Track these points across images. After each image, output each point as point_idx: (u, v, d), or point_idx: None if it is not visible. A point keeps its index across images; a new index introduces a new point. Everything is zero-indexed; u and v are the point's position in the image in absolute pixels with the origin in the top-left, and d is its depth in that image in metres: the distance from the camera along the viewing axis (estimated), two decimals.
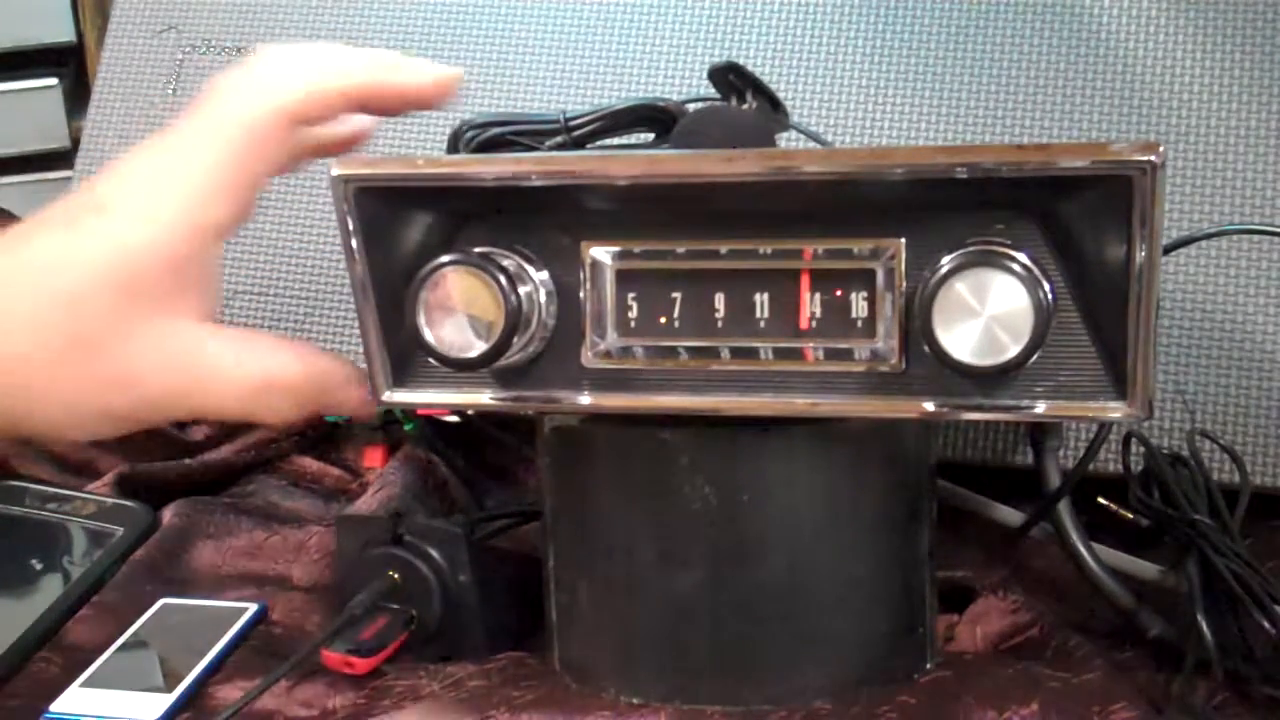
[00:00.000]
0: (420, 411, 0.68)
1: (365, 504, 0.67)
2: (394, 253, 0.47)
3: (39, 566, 0.65)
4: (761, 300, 0.46)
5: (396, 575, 0.57)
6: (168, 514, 0.67)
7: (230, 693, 0.54)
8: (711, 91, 0.58)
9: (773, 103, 0.57)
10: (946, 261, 0.42)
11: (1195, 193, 0.64)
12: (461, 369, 0.46)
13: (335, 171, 0.45)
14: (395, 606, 0.56)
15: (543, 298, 0.46)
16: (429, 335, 0.45)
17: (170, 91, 0.77)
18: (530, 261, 0.46)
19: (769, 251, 0.45)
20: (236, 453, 0.73)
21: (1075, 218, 0.43)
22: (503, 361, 0.46)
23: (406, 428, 0.71)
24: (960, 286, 0.42)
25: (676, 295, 0.46)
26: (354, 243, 0.46)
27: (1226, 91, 0.65)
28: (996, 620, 0.57)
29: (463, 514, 0.68)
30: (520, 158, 0.49)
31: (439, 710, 0.50)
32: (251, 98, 0.47)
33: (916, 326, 0.43)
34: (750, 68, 0.57)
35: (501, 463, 0.72)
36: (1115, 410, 0.43)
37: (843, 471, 0.48)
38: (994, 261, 0.42)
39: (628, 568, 0.49)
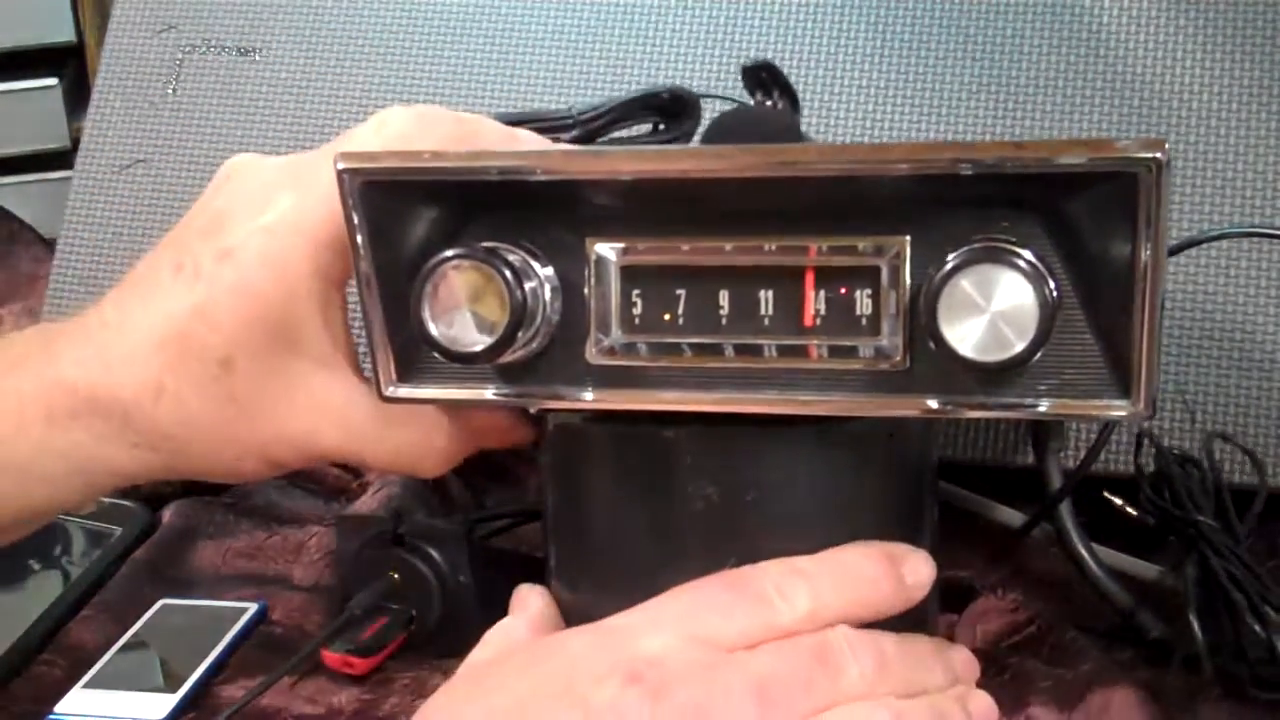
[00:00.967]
0: None
1: (365, 504, 0.67)
2: (399, 247, 0.46)
3: (37, 566, 0.65)
4: (766, 297, 0.46)
5: (396, 575, 0.57)
6: (168, 514, 0.67)
7: (234, 692, 0.54)
8: (719, 89, 0.58)
9: (794, 103, 0.57)
10: (952, 258, 0.42)
11: (1195, 193, 0.64)
12: (465, 364, 0.46)
13: (340, 165, 0.45)
14: (395, 606, 0.56)
15: (547, 293, 0.46)
16: (433, 330, 0.45)
17: (170, 91, 0.77)
18: (535, 257, 0.46)
19: (774, 248, 0.45)
20: None
21: (1080, 215, 0.43)
22: (506, 357, 0.45)
23: None
24: (965, 283, 0.42)
25: (681, 292, 0.46)
26: (359, 236, 0.46)
27: (1228, 92, 0.65)
28: (996, 619, 0.57)
29: (463, 514, 0.68)
30: (525, 153, 0.49)
31: None
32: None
33: (921, 323, 0.43)
34: None
35: (502, 462, 0.72)
36: (1119, 409, 0.43)
37: (846, 471, 0.48)
38: (999, 258, 0.42)
39: (629, 567, 0.49)
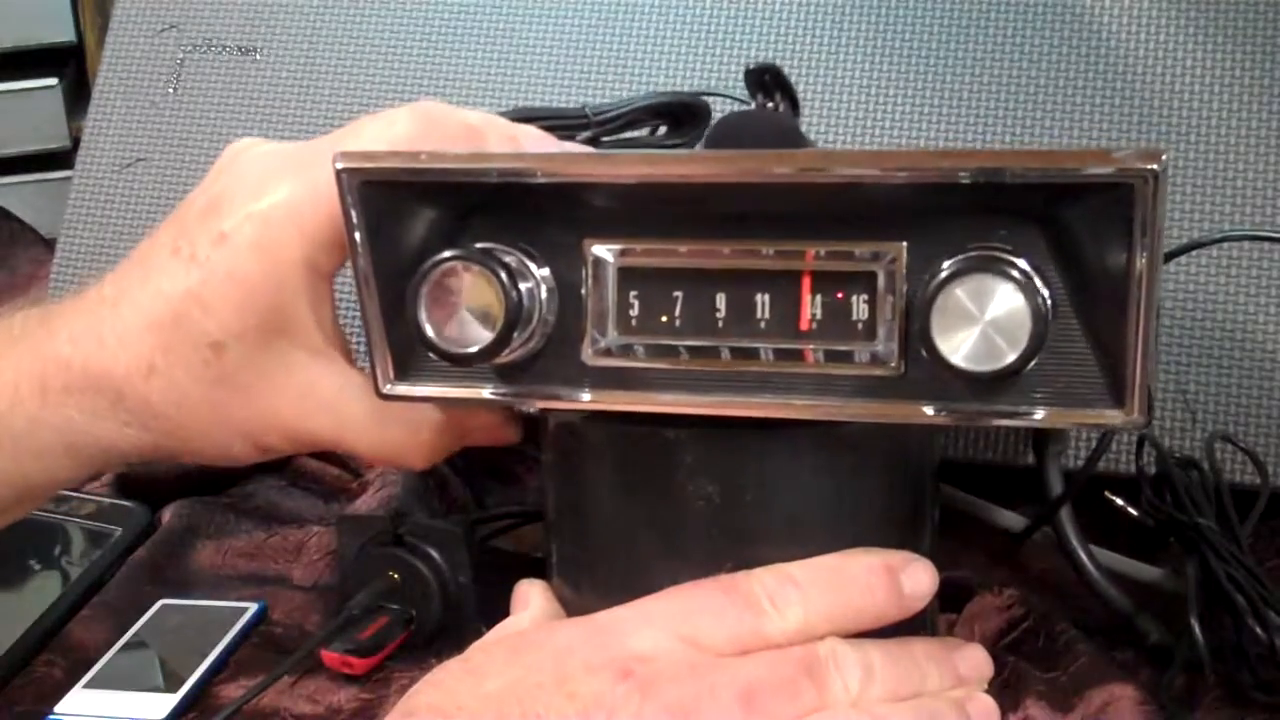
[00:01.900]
0: None
1: (365, 504, 0.67)
2: (397, 246, 0.46)
3: (37, 566, 0.65)
4: (763, 301, 0.45)
5: (396, 575, 0.57)
6: (167, 514, 0.67)
7: (234, 692, 0.54)
8: (720, 88, 0.58)
9: (795, 105, 0.57)
10: (946, 266, 0.42)
11: (1196, 195, 0.64)
12: (462, 364, 0.46)
13: (339, 165, 0.45)
14: (395, 606, 0.56)
15: (544, 294, 0.46)
16: (429, 329, 0.45)
17: (171, 91, 0.77)
18: (532, 258, 0.46)
19: (771, 252, 0.45)
20: None
21: (1077, 224, 0.43)
22: (503, 357, 0.46)
23: None
24: (959, 292, 0.42)
25: (678, 294, 0.46)
26: (357, 235, 0.46)
27: (1228, 93, 0.65)
28: (994, 618, 0.57)
29: (463, 514, 0.68)
30: (525, 155, 0.49)
31: None
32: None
33: (915, 330, 0.43)
34: None
35: (502, 462, 0.72)
36: (1113, 418, 0.43)
37: (847, 472, 0.48)
38: (993, 268, 0.42)
39: (630, 566, 0.49)
